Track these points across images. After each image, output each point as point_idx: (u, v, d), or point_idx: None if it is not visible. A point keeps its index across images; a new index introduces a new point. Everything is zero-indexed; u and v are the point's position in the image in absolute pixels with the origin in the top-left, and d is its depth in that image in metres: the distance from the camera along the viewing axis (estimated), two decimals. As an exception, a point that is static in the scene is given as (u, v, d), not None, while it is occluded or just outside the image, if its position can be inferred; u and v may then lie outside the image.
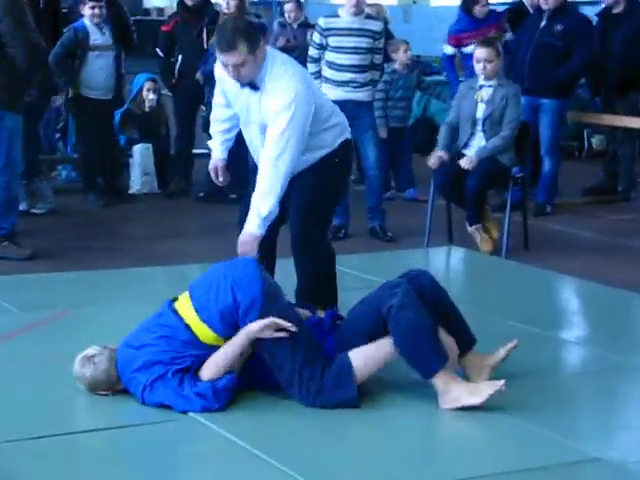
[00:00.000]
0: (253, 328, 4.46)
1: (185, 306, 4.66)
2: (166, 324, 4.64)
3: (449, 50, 10.58)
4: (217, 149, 5.81)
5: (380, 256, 8.16)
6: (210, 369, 4.50)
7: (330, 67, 8.48)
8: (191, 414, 4.48)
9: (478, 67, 8.16)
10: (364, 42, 8.46)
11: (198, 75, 9.68)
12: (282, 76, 5.22)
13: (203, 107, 10.04)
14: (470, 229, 8.15)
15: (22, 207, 8.97)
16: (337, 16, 8.56)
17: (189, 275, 7.21)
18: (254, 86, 5.21)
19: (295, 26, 11.13)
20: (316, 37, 8.56)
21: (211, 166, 5.82)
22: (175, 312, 4.65)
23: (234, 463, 4.15)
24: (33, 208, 9.13)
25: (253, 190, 5.23)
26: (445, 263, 8.60)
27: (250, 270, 4.68)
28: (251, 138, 5.52)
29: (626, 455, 4.16)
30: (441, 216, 8.56)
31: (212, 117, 5.84)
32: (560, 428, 4.37)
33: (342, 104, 8.04)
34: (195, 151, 10.68)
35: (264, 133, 5.22)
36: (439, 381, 4.54)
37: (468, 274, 8.25)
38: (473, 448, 4.29)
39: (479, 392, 4.51)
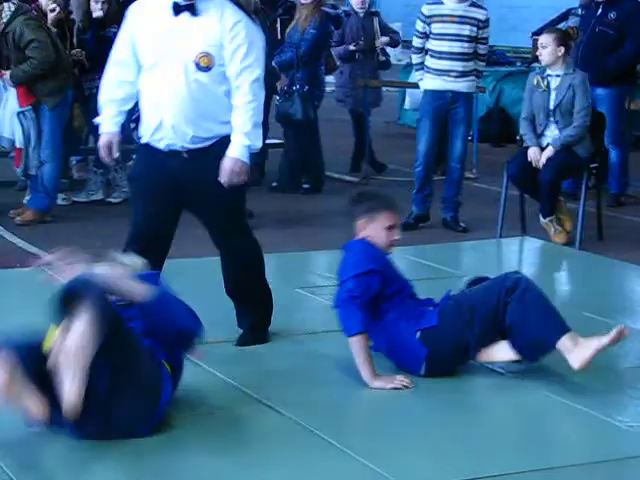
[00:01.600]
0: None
1: None
2: None
3: None
4: (111, 121, 5.11)
5: (453, 247, 8.18)
6: None
7: (432, 55, 8.50)
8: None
9: (537, 53, 8.23)
10: (467, 29, 8.44)
11: (273, 64, 9.58)
12: (224, 2, 4.93)
13: (277, 97, 10.08)
14: (543, 221, 8.14)
15: (98, 196, 9.23)
16: (441, 3, 8.54)
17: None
18: (193, 10, 4.82)
19: (362, 15, 11.16)
20: (419, 25, 8.55)
21: (104, 142, 5.12)
22: None
23: (307, 451, 4.16)
24: (109, 197, 9.27)
25: None
26: (518, 254, 8.57)
27: None
28: (161, 88, 4.92)
29: None
30: (514, 207, 8.54)
31: (107, 81, 5.14)
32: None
33: (440, 94, 8.47)
34: (268, 141, 10.66)
35: (187, 75, 4.82)
36: (567, 341, 4.72)
37: (541, 265, 8.20)
38: (558, 439, 4.34)
39: (604, 336, 4.68)
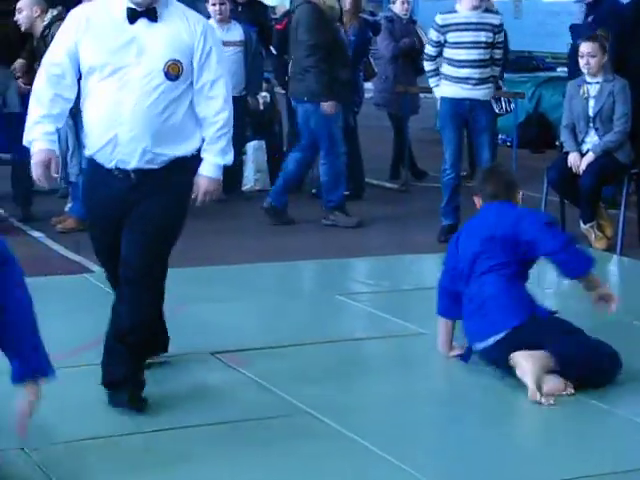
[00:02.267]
0: None
1: None
2: None
3: None
4: (46, 138, 4.48)
5: None
6: None
7: (449, 64, 8.48)
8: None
9: (582, 62, 8.10)
10: (483, 36, 8.42)
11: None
12: (183, 7, 4.60)
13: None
14: (584, 227, 8.08)
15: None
16: (455, 12, 8.54)
17: (290, 272, 7.58)
18: (153, 15, 4.41)
19: (405, 21, 11.19)
20: (433, 35, 8.55)
21: (39, 160, 4.47)
22: None
23: (356, 463, 4.17)
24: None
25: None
26: None
27: None
28: (120, 99, 4.44)
29: None
30: (555, 213, 8.33)
31: (41, 95, 4.52)
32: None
33: (459, 102, 8.40)
34: None
35: (150, 82, 4.40)
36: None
37: None
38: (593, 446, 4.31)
39: None
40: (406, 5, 11.51)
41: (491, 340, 5.04)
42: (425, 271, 7.86)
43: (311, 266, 7.78)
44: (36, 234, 8.41)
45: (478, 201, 5.35)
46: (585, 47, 8.11)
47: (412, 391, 5.05)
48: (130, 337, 4.56)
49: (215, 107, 4.58)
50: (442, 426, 4.66)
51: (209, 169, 4.64)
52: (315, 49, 8.91)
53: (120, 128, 4.44)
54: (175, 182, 4.56)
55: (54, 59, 4.50)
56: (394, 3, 11.81)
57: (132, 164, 4.49)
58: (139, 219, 4.55)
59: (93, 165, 4.66)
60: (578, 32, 9.75)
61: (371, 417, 4.68)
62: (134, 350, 4.62)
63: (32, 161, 4.48)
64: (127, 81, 4.40)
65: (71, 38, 4.46)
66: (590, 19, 9.53)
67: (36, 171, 4.48)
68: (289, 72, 9.64)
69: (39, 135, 4.46)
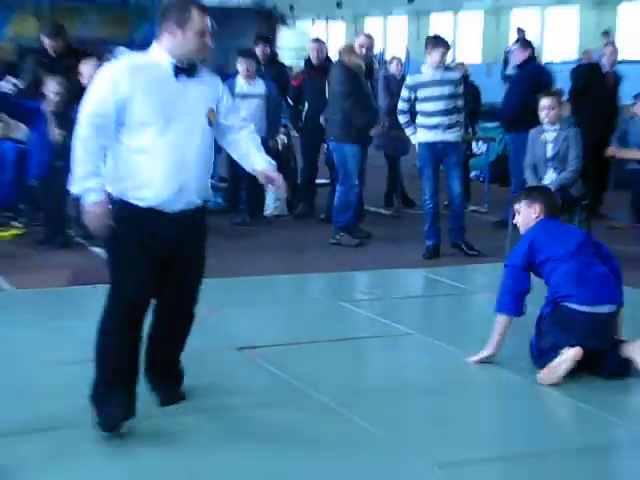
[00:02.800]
0: None
1: None
2: None
3: None
4: (101, 189, 3.95)
5: (465, 270, 8.08)
6: None
7: (422, 115, 8.45)
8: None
9: (543, 113, 8.04)
10: (447, 89, 8.41)
11: (321, 120, 9.62)
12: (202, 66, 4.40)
13: (325, 145, 10.01)
14: None
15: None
16: (420, 72, 8.55)
17: (302, 283, 7.62)
18: (193, 71, 4.15)
19: (398, 79, 11.05)
20: (404, 93, 8.54)
21: (99, 213, 3.96)
22: None
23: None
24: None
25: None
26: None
27: None
28: (184, 149, 4.10)
29: None
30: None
31: (88, 144, 3.96)
32: None
33: (433, 145, 8.41)
34: (318, 181, 10.79)
35: (203, 132, 4.16)
36: None
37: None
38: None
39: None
40: (399, 67, 11.51)
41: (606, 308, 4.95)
42: (412, 282, 7.89)
43: (319, 278, 7.74)
44: (96, 249, 8.14)
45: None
46: (546, 101, 8.03)
47: (402, 379, 5.03)
48: (173, 367, 4.47)
49: (247, 131, 4.41)
50: (427, 405, 4.60)
51: (267, 160, 4.37)
52: (343, 99, 8.89)
53: (188, 177, 4.11)
54: (203, 220, 4.35)
55: (101, 110, 3.97)
56: (390, 64, 11.77)
57: (195, 204, 4.19)
58: (189, 267, 4.30)
59: (144, 212, 4.09)
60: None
61: (371, 400, 4.64)
62: (174, 380, 4.50)
63: (89, 211, 3.97)
64: (184, 131, 4.09)
65: (120, 91, 3.98)
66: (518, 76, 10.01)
67: (94, 222, 3.98)
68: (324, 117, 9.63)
69: (95, 186, 3.95)
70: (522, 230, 5.35)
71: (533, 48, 10.13)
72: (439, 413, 4.53)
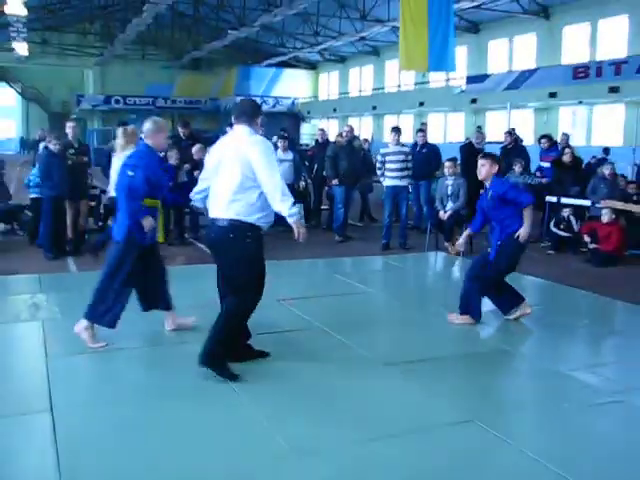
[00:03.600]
0: None
1: None
2: None
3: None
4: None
5: (404, 257, 8.40)
6: None
7: (388, 170, 8.93)
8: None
9: (446, 170, 8.61)
10: (402, 156, 8.96)
11: (325, 173, 10.23)
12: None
13: (326, 187, 10.65)
14: (446, 243, 8.60)
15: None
16: (387, 146, 9.17)
17: (311, 264, 7.63)
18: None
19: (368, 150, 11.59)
20: (379, 158, 9.11)
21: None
22: None
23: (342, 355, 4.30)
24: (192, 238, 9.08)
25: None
26: (434, 262, 8.30)
27: None
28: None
29: None
30: (434, 237, 8.88)
31: (284, 186, 3.94)
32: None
33: (393, 187, 8.95)
34: (322, 207, 11.51)
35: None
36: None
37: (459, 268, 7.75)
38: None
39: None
40: (367, 144, 12.67)
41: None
42: (374, 264, 7.95)
43: (322, 261, 7.90)
44: (201, 245, 8.50)
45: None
46: (447, 163, 8.85)
47: (369, 316, 5.32)
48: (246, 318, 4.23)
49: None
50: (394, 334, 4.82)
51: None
52: (331, 161, 9.44)
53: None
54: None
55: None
56: (365, 143, 12.62)
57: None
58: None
59: (259, 230, 4.06)
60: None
61: (363, 333, 4.82)
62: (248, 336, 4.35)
63: (298, 226, 3.90)
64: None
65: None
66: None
67: (304, 235, 3.94)
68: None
69: (299, 210, 4.24)
70: (483, 177, 5.37)
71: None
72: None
